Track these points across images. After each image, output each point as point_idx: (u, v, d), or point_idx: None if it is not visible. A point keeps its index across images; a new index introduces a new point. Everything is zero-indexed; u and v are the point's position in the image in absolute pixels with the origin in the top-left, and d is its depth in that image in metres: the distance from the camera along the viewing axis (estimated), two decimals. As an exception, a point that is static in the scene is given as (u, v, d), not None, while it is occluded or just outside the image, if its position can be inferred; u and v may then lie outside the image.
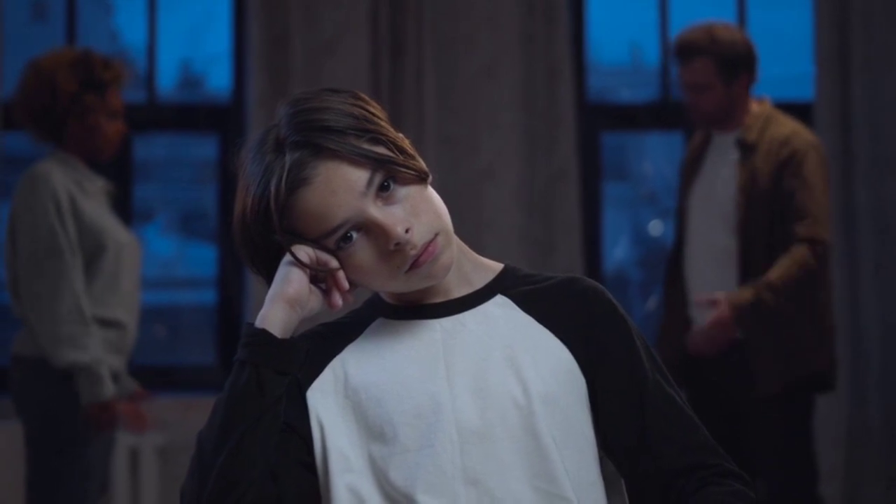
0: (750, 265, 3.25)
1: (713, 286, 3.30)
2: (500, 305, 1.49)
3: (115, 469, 3.88)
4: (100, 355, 2.99)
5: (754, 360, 3.21)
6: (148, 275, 3.62)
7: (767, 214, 3.24)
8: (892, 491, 4.14)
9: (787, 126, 3.31)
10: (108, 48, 3.50)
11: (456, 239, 1.47)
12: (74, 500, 3.01)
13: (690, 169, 3.46)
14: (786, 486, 3.24)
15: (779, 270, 3.17)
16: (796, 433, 3.28)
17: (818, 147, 3.29)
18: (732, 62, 3.29)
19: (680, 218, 3.48)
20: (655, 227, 6.55)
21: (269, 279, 1.44)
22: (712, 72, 3.29)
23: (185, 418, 3.97)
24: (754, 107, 3.35)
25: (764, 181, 3.23)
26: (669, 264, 3.50)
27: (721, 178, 3.33)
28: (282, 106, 1.43)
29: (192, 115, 4.60)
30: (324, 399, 1.45)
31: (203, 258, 5.15)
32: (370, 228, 1.40)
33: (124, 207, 4.00)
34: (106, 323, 3.08)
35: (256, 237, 1.42)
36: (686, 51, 3.33)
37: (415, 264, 1.41)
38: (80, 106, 3.12)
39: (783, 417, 3.26)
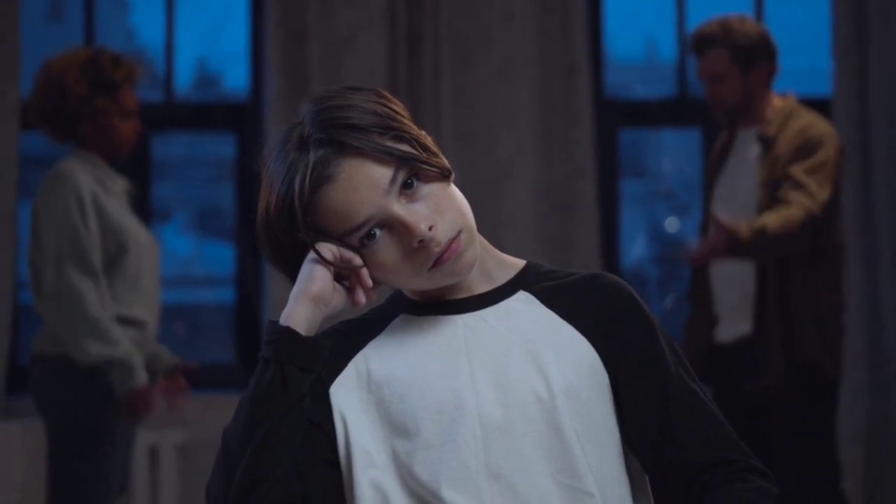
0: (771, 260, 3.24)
1: (736, 282, 3.29)
2: (523, 301, 1.49)
3: (134, 467, 3.90)
4: (130, 347, 3.02)
5: (762, 351, 3.21)
6: (166, 273, 3.63)
7: None
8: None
9: (806, 118, 3.30)
10: (124, 47, 3.50)
11: (478, 236, 1.47)
12: (95, 498, 3.02)
13: (715, 165, 3.46)
14: (808, 483, 3.23)
15: (776, 222, 3.11)
16: (818, 430, 3.26)
17: (834, 136, 3.27)
18: (747, 51, 3.31)
19: (706, 215, 3.47)
20: (672, 224, 6.53)
21: (292, 277, 1.44)
22: (727, 61, 3.31)
23: (204, 416, 3.97)
24: (777, 102, 3.35)
25: (782, 174, 3.22)
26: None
27: (743, 174, 3.33)
28: (305, 104, 1.44)
29: (210, 113, 4.60)
30: (347, 395, 1.45)
31: (221, 257, 5.16)
32: (394, 226, 1.40)
33: (143, 206, 4.01)
34: (127, 321, 3.09)
35: (280, 235, 1.42)
36: (701, 43, 3.36)
37: (438, 262, 1.41)
38: (90, 108, 3.11)
39: (804, 414, 3.25)
